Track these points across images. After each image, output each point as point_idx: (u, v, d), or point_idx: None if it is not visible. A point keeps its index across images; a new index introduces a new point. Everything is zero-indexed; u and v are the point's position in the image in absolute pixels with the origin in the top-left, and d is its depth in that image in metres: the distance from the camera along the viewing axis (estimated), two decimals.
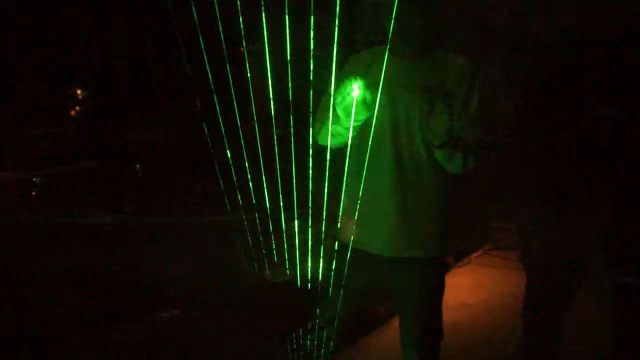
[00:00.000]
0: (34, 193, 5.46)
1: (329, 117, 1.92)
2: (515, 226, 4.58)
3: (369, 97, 1.81)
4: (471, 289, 4.04)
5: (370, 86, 1.80)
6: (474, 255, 4.60)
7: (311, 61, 1.64)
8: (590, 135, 2.23)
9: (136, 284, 3.99)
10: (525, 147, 2.50)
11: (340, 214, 2.03)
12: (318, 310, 2.06)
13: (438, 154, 1.95)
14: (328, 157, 1.88)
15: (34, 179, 5.46)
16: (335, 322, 2.07)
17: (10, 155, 5.75)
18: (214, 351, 3.25)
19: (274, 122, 1.78)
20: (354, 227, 2.03)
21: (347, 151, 1.95)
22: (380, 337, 3.30)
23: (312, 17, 1.60)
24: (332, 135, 1.98)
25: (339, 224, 2.04)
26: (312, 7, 1.59)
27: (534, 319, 2.51)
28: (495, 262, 4.52)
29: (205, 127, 1.90)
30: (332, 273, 1.99)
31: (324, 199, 1.87)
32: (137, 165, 6.10)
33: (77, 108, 6.72)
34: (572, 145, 2.26)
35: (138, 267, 4.27)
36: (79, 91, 6.72)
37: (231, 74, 1.82)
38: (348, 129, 1.88)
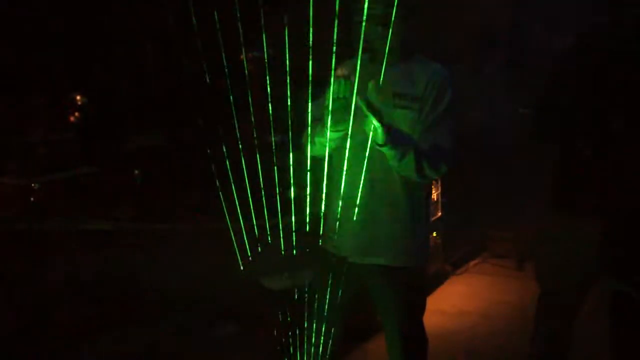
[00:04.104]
0: (33, 199, 5.46)
1: (309, 126, 1.98)
2: (510, 234, 4.62)
3: (351, 101, 1.84)
4: (469, 296, 4.05)
5: (351, 94, 1.83)
6: (472, 263, 4.61)
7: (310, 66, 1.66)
8: (606, 146, 2.23)
9: (135, 291, 3.99)
10: (542, 156, 2.51)
11: (322, 221, 2.07)
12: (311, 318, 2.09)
13: (387, 155, 1.94)
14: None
15: (33, 185, 5.46)
16: (330, 330, 2.09)
17: (9, 161, 5.75)
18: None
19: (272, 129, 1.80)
20: (332, 234, 2.06)
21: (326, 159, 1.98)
22: (380, 343, 3.29)
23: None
24: (312, 144, 2.02)
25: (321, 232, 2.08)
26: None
27: (547, 328, 2.50)
28: (492, 269, 4.53)
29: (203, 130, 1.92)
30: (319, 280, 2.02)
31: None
32: (136, 172, 6.10)
33: (77, 114, 6.73)
34: (589, 155, 2.26)
35: (137, 274, 4.27)
36: (78, 97, 6.73)
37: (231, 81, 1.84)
38: (329, 137, 1.93)
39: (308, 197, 1.90)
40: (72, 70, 6.83)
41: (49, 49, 6.57)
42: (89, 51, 6.87)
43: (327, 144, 1.97)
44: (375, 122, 1.83)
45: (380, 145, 1.90)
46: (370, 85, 1.92)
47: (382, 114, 1.84)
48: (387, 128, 1.86)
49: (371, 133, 1.87)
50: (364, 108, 1.81)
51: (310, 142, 2.03)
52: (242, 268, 1.98)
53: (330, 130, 1.91)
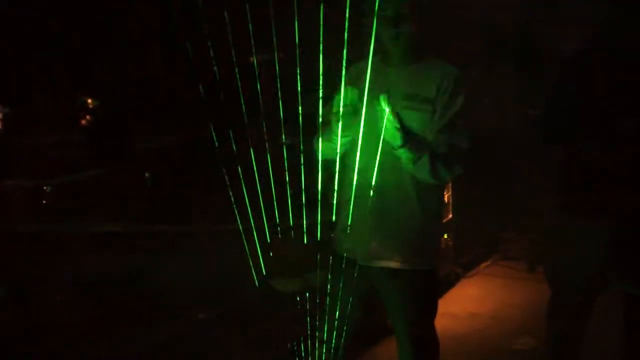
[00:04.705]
0: (44, 201, 5.50)
1: (319, 129, 1.98)
2: (522, 236, 4.60)
3: (360, 106, 1.84)
4: (480, 299, 4.02)
5: (362, 95, 1.83)
6: (483, 265, 4.58)
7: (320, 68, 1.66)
8: (614, 147, 2.21)
9: (144, 292, 4.00)
10: (551, 157, 2.50)
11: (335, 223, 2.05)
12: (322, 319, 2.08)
13: (402, 157, 1.93)
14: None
15: (44, 187, 5.50)
16: (340, 332, 2.09)
17: (20, 164, 5.79)
18: None
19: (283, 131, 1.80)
20: (344, 237, 2.05)
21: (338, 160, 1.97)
22: (390, 346, 3.27)
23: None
24: (322, 147, 2.01)
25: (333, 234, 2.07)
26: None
27: (561, 330, 2.48)
28: (503, 272, 4.50)
29: (214, 136, 1.91)
30: (330, 282, 2.02)
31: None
32: (146, 174, 6.13)
33: (87, 117, 6.78)
34: (597, 156, 2.24)
35: (146, 275, 4.28)
36: (89, 100, 6.78)
37: (241, 83, 1.84)
38: (337, 143, 1.92)
39: (319, 195, 1.90)
40: (81, 73, 6.87)
41: (59, 51, 6.62)
42: (98, 54, 6.91)
43: (337, 149, 1.96)
44: (396, 124, 1.83)
45: (397, 148, 1.89)
46: (379, 88, 1.91)
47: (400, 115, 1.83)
48: (405, 130, 1.85)
49: (383, 135, 1.86)
50: (384, 105, 1.80)
51: (320, 145, 2.02)
52: (256, 277, 1.98)
53: (341, 136, 1.90)
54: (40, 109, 6.38)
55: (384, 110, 1.82)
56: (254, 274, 2.02)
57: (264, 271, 2.03)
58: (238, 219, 2.02)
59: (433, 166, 1.93)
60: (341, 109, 1.86)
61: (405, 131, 1.86)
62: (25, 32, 6.42)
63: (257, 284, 2.02)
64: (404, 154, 1.91)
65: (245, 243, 1.99)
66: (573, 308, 2.43)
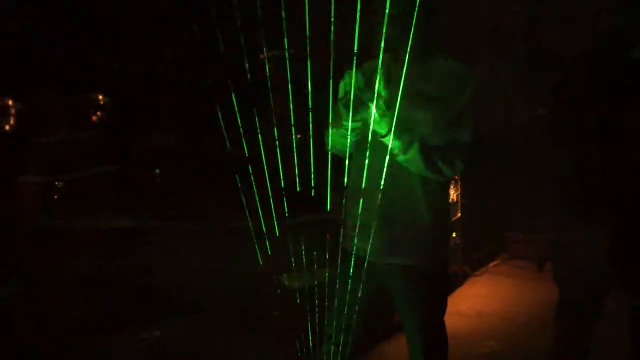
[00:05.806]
0: (55, 197, 5.54)
1: (330, 118, 1.97)
2: (529, 235, 4.58)
3: (369, 94, 1.83)
4: (488, 298, 4.02)
5: (372, 91, 1.83)
6: (491, 264, 4.58)
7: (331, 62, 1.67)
8: (618, 150, 2.21)
9: (153, 289, 4.03)
10: (557, 157, 2.49)
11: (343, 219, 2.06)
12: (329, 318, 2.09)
13: (393, 148, 1.91)
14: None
15: (56, 183, 5.54)
16: (348, 328, 2.10)
17: (32, 160, 5.84)
18: None
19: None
20: (353, 233, 2.06)
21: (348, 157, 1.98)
22: (397, 343, 3.28)
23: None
24: (333, 137, 2.01)
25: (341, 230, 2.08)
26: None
27: (565, 331, 2.48)
28: (512, 271, 4.49)
29: (225, 133, 1.93)
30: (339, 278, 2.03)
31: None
32: (156, 171, 6.16)
33: (99, 113, 6.82)
34: (602, 156, 2.23)
35: (155, 272, 4.31)
36: (100, 97, 6.82)
37: (251, 80, 1.85)
38: (348, 129, 1.92)
39: (329, 190, 1.91)
40: (92, 70, 6.92)
41: (71, 47, 6.66)
42: (110, 50, 6.95)
43: (348, 135, 1.96)
44: (376, 111, 1.83)
45: (383, 136, 1.89)
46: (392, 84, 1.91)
47: (391, 103, 1.83)
48: (391, 118, 1.85)
49: (372, 124, 1.85)
50: (365, 97, 1.81)
51: (330, 134, 2.03)
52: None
53: (351, 120, 1.90)
54: (51, 105, 6.42)
55: (374, 97, 1.81)
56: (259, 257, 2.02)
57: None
58: (248, 216, 2.03)
59: (427, 158, 1.92)
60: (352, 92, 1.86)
61: (392, 119, 1.85)
62: (36, 28, 6.47)
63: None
64: (392, 143, 1.89)
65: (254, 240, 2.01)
66: (579, 308, 2.42)
